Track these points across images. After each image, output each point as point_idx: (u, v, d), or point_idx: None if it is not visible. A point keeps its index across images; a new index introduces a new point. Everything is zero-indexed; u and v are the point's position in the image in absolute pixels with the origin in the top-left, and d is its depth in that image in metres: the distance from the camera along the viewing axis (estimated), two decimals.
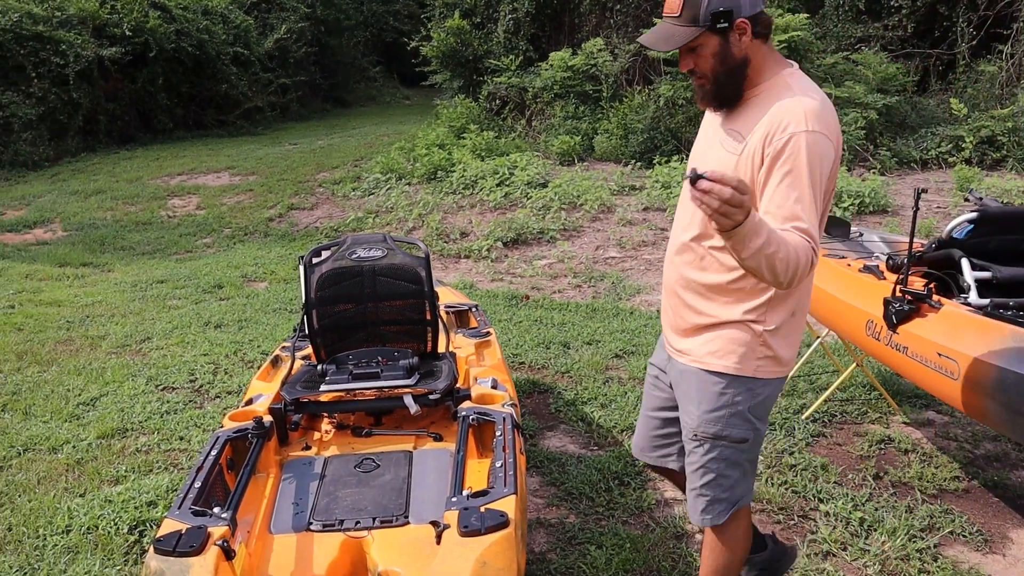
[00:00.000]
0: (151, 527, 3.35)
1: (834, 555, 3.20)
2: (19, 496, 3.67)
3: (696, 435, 2.27)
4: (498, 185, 9.63)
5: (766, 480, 3.74)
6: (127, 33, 15.14)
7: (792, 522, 3.44)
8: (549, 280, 7.31)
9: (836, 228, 4.50)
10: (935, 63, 12.75)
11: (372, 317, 2.99)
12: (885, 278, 3.41)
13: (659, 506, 3.56)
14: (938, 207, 8.74)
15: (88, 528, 3.35)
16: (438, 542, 1.96)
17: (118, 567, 3.10)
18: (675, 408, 2.42)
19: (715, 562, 2.44)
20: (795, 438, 4.15)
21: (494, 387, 2.85)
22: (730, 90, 2.09)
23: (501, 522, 1.93)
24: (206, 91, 17.41)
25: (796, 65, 2.13)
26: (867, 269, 3.54)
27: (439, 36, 13.57)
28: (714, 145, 2.17)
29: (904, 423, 4.33)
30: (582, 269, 7.49)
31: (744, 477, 2.34)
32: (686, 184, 2.11)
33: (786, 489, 3.67)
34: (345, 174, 11.56)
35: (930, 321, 3.04)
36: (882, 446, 4.10)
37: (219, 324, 6.16)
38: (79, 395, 4.81)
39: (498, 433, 2.45)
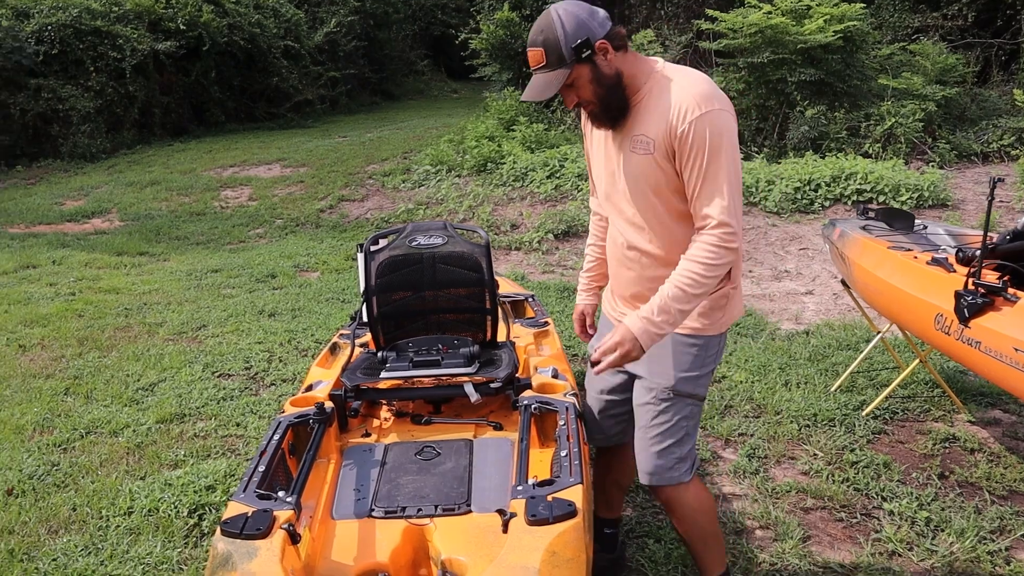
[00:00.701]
0: (210, 511, 3.39)
1: (900, 555, 3.12)
2: (82, 477, 3.74)
3: (672, 394, 2.37)
4: (548, 177, 9.58)
5: (827, 477, 3.66)
6: (181, 27, 15.38)
7: (855, 520, 3.36)
8: None
9: (899, 220, 4.39)
10: (997, 53, 12.40)
11: (431, 305, 2.97)
12: (955, 271, 3.30)
13: (717, 501, 3.50)
14: (1001, 201, 8.49)
15: (149, 510, 3.40)
16: (504, 530, 1.93)
17: (179, 549, 3.14)
18: (625, 389, 2.56)
19: (700, 513, 2.50)
20: (856, 435, 4.05)
21: (555, 376, 2.82)
22: (617, 104, 2.22)
23: (569, 511, 1.90)
24: (257, 84, 17.62)
25: (660, 59, 2.27)
26: (936, 262, 3.43)
27: (488, 28, 13.53)
28: (623, 154, 2.29)
29: (969, 422, 4.21)
30: None
31: (696, 436, 2.51)
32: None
33: (848, 486, 3.59)
34: (395, 166, 11.60)
35: (1005, 315, 2.93)
36: (946, 445, 3.98)
37: (273, 313, 6.22)
38: (138, 380, 4.90)
39: (561, 422, 2.42)
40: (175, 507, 3.40)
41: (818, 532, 3.28)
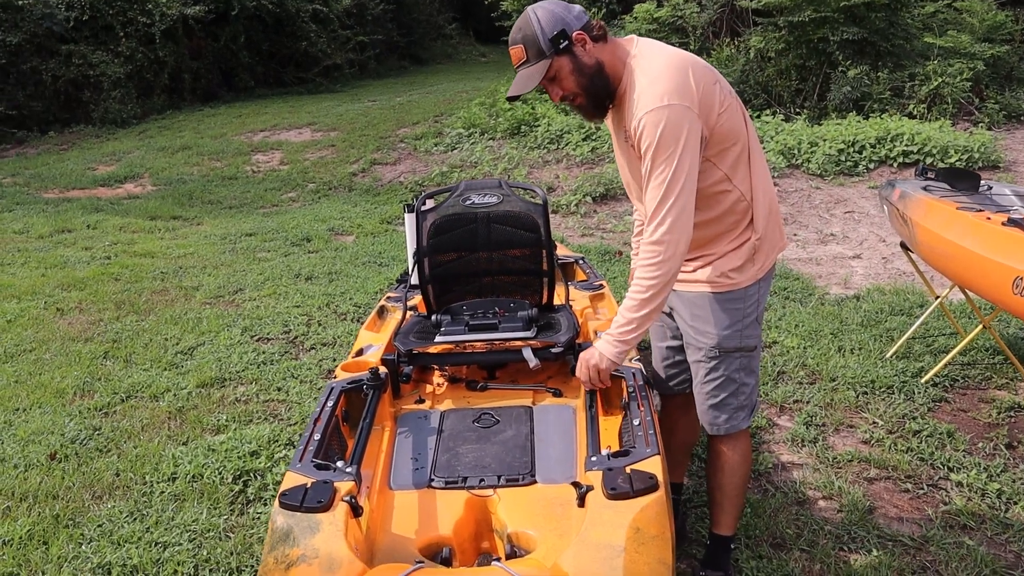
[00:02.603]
0: (255, 477, 3.32)
1: (972, 528, 2.98)
2: (125, 442, 3.69)
3: (718, 352, 2.41)
4: (584, 140, 9.39)
5: (890, 446, 3.52)
6: None
7: (921, 491, 3.22)
8: None
9: (963, 181, 4.19)
10: None
11: (485, 267, 2.84)
12: None
13: (776, 470, 3.38)
14: None
15: (193, 476, 3.33)
16: (580, 504, 1.81)
17: (224, 516, 3.07)
18: (680, 336, 2.56)
19: (741, 469, 2.57)
20: (915, 403, 3.90)
21: None
22: (602, 94, 2.26)
23: (651, 484, 1.78)
24: (286, 49, 17.46)
25: (635, 41, 2.28)
26: (1013, 223, 3.25)
27: None
28: (622, 147, 2.36)
29: None
30: None
31: (757, 382, 2.53)
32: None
33: (912, 456, 3.45)
34: (426, 129, 11.45)
35: None
36: (1012, 414, 3.82)
37: (309, 276, 6.14)
38: (177, 344, 4.84)
39: (630, 389, 2.29)
40: (219, 473, 3.33)
41: (884, 503, 3.15)
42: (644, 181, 2.19)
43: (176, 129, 13.33)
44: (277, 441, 3.60)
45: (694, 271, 2.40)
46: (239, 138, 12.36)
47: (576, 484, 1.88)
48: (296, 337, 4.92)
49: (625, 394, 2.29)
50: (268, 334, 4.97)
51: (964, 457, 3.44)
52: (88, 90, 13.96)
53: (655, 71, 2.17)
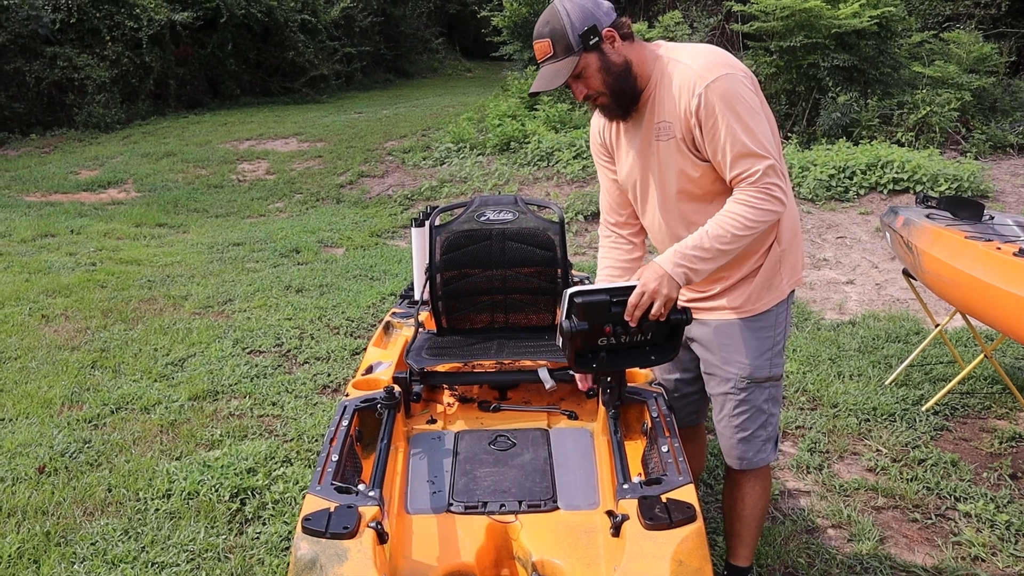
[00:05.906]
0: (253, 495, 3.23)
1: (983, 560, 2.95)
2: (116, 456, 3.58)
3: (749, 382, 2.34)
4: (575, 158, 9.37)
5: (895, 474, 3.49)
6: None
7: (930, 521, 3.19)
8: None
9: (966, 210, 4.19)
10: None
11: (499, 284, 2.79)
12: None
13: (784, 496, 3.34)
14: None
15: (189, 493, 3.23)
16: (615, 534, 1.75)
17: (223, 535, 2.98)
18: (695, 367, 2.50)
19: (762, 501, 2.52)
20: (917, 431, 3.88)
21: None
22: (628, 93, 2.19)
23: (689, 515, 1.72)
24: (273, 58, 17.37)
25: (662, 42, 2.24)
26: None
27: (511, 6, 13.26)
28: (650, 146, 2.25)
29: None
30: None
31: (780, 413, 2.47)
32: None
33: (919, 485, 3.42)
34: (414, 143, 11.39)
35: None
36: (1013, 444, 3.81)
37: (300, 288, 6.05)
38: (167, 355, 4.73)
39: (653, 414, 2.23)
40: (216, 490, 3.24)
41: (893, 533, 3.11)
42: (722, 150, 2.07)
43: (160, 135, 13.18)
44: (274, 458, 3.52)
45: (719, 294, 2.34)
46: (225, 146, 12.24)
47: (610, 513, 1.82)
48: (289, 351, 4.83)
49: (648, 420, 2.23)
50: (260, 347, 4.88)
51: (970, 487, 3.41)
52: (72, 93, 13.78)
53: (696, 51, 2.13)
